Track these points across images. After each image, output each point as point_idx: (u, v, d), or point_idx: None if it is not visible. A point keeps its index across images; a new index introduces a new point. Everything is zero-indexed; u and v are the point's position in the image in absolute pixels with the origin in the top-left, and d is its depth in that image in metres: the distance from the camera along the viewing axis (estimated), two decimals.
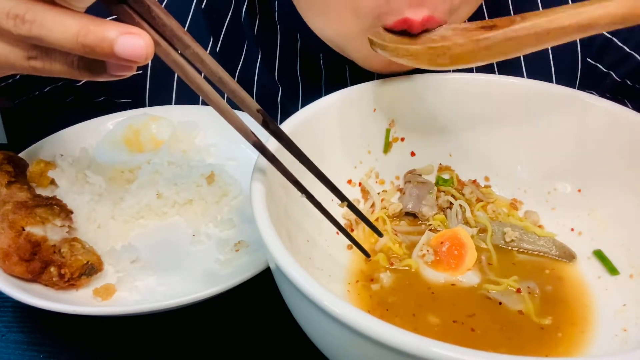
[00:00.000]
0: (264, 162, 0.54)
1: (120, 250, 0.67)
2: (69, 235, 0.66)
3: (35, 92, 0.89)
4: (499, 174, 0.70)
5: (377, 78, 0.83)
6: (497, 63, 0.84)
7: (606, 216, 0.64)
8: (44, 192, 0.73)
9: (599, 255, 0.62)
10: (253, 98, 0.86)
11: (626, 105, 0.66)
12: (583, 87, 0.84)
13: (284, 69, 0.87)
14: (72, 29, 0.42)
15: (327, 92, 0.64)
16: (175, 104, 0.89)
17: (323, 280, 0.58)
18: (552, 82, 0.69)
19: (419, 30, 0.60)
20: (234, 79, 0.85)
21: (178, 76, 0.46)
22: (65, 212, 0.67)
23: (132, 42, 0.42)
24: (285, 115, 0.87)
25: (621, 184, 0.62)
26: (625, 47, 0.81)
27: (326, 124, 0.64)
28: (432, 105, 0.68)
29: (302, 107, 0.63)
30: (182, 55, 0.45)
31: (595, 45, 0.82)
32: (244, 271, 0.61)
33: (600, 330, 0.55)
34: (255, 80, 0.87)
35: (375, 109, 0.67)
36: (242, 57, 0.87)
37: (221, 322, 0.64)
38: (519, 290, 0.58)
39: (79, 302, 0.62)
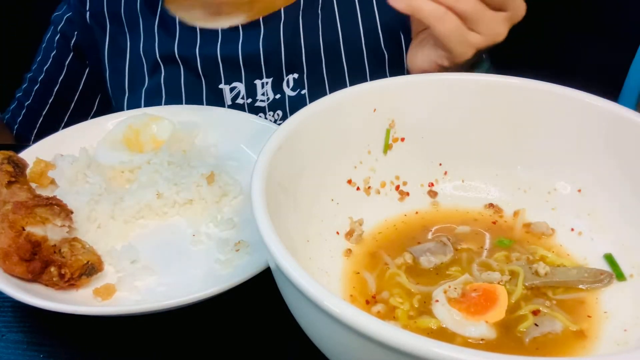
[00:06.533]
0: (264, 162, 0.54)
1: (120, 250, 0.67)
2: (69, 235, 0.66)
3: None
4: (499, 174, 0.70)
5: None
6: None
7: (606, 216, 0.64)
8: (44, 192, 0.73)
9: (609, 259, 0.61)
10: None
11: None
12: None
13: None
14: None
15: None
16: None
17: (323, 280, 0.58)
18: None
19: None
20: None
21: None
22: (65, 212, 0.67)
23: None
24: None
25: (621, 183, 0.62)
26: None
27: (326, 123, 0.64)
28: (432, 105, 0.67)
29: None
30: None
31: None
32: (244, 271, 0.61)
33: (600, 330, 0.55)
34: None
35: (375, 109, 0.67)
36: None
37: (221, 322, 0.64)
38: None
39: (79, 302, 0.62)
